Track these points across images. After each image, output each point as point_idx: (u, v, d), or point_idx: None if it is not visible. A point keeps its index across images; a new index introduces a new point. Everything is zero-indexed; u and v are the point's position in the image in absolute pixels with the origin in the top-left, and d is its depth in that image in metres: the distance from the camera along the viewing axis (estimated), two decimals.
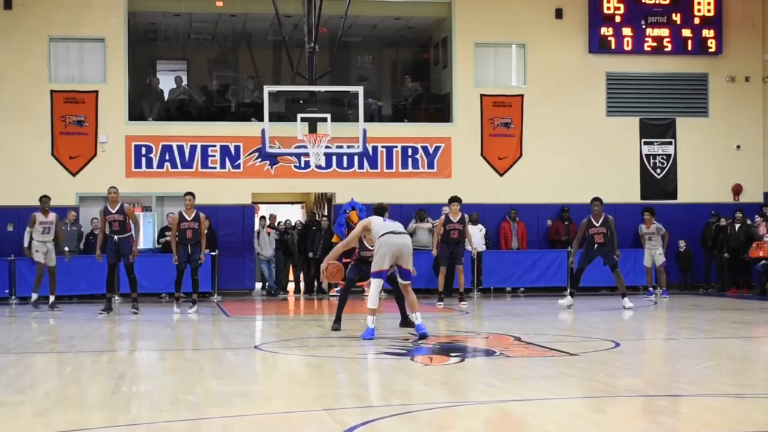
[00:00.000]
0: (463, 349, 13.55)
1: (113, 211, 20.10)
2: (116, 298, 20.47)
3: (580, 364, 11.62)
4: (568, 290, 21.11)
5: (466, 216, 21.85)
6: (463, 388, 10.21)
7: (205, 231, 20.84)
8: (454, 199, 21.51)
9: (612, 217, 20.74)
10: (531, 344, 13.59)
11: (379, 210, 15.33)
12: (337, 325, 15.74)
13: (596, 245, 20.47)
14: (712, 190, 27.91)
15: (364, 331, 14.43)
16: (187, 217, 20.33)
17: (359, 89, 23.18)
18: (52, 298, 21.68)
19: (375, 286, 14.58)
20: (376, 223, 14.78)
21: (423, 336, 14.27)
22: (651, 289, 23.98)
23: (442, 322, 18.06)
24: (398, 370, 11.37)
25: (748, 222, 25.55)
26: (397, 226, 14.76)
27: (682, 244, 26.42)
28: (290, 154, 25.11)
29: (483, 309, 21.88)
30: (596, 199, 20.87)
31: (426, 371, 11.23)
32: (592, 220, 20.58)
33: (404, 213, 25.56)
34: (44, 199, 21.92)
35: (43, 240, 21.68)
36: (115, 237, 20.04)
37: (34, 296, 21.68)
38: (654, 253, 24.03)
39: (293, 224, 27.84)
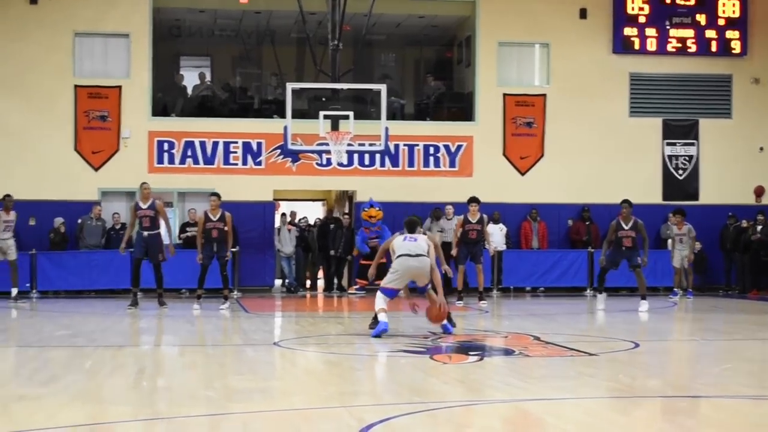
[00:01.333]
0: (482, 347, 13.55)
1: (144, 207, 20.08)
2: (139, 293, 20.51)
3: (600, 365, 11.61)
4: (599, 291, 20.91)
5: (485, 216, 21.84)
6: (482, 386, 10.22)
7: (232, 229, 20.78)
8: (473, 200, 21.51)
9: (642, 222, 20.52)
10: (550, 344, 13.57)
11: (410, 225, 15.22)
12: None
13: (624, 248, 20.29)
14: (735, 192, 27.79)
15: (376, 327, 14.47)
16: (212, 218, 20.27)
17: (382, 87, 23.18)
18: (14, 292, 22.10)
19: (380, 298, 14.66)
20: (397, 243, 14.90)
21: (447, 329, 14.72)
22: (676, 290, 23.94)
23: (462, 320, 18.05)
24: (417, 368, 11.37)
25: None
26: (415, 247, 14.77)
27: (697, 245, 26.30)
28: (312, 152, 25.14)
29: (503, 308, 21.88)
30: (625, 201, 20.55)
31: (445, 369, 11.23)
32: (621, 222, 20.32)
33: (425, 211, 25.64)
34: (7, 197, 22.37)
35: (3, 237, 22.15)
36: (145, 233, 20.03)
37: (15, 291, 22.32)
38: (683, 255, 24.01)
39: (313, 222, 27.85)
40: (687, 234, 24.05)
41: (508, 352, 12.89)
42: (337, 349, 13.60)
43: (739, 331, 16.71)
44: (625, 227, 20.22)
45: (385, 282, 14.76)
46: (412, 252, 14.67)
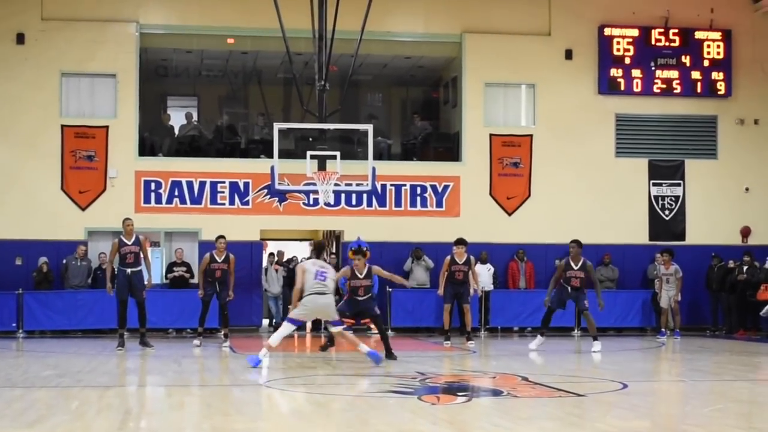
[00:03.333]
0: (470, 388, 13.52)
1: (129, 243, 20.01)
2: (126, 333, 20.37)
3: (588, 405, 11.59)
4: (541, 333, 20.88)
5: (472, 258, 21.83)
6: (470, 428, 10.18)
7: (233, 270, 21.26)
8: (460, 242, 21.56)
9: (590, 263, 20.66)
10: (538, 384, 13.55)
11: (318, 248, 17.04)
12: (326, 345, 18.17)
13: (571, 288, 20.36)
14: (721, 232, 27.87)
15: (253, 356, 16.09)
16: (217, 259, 20.95)
17: (369, 127, 23.21)
18: None
19: (285, 328, 16.36)
20: (309, 273, 16.29)
21: (375, 357, 16.08)
22: (663, 329, 24.00)
23: (449, 361, 18.02)
24: (405, 408, 11.34)
25: (756, 264, 25.54)
26: (323, 287, 16.22)
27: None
28: (299, 191, 25.16)
29: (490, 348, 21.84)
30: (574, 242, 20.76)
31: (433, 410, 11.20)
32: (571, 262, 20.45)
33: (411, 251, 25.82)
34: None
35: None
36: (128, 270, 19.92)
37: None
38: (670, 295, 24.07)
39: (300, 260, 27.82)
40: (674, 274, 24.12)
41: (496, 393, 12.86)
42: (324, 389, 13.55)
43: (727, 371, 16.71)
44: (575, 267, 20.36)
45: (294, 314, 16.35)
46: (321, 291, 16.18)
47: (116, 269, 20.18)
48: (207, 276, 20.91)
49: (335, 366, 16.76)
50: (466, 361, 18.23)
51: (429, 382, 13.76)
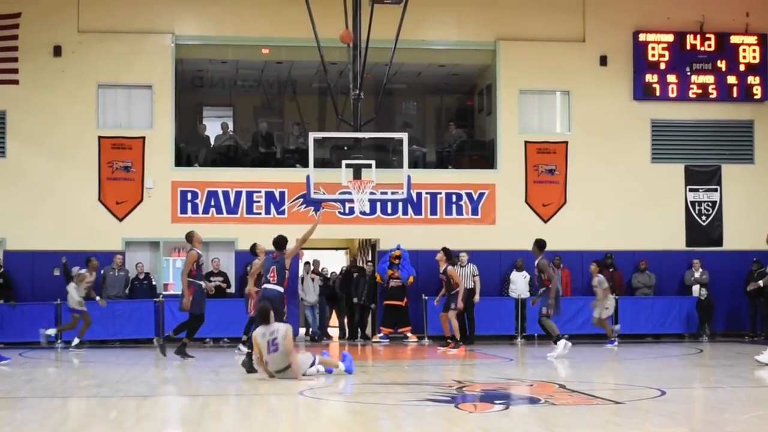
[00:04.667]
0: (507, 396, 13.48)
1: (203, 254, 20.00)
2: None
3: (626, 413, 11.54)
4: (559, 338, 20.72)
5: (449, 268, 22.03)
6: None
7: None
8: (442, 249, 21.97)
9: (545, 261, 20.46)
10: (576, 392, 13.50)
11: (263, 315, 15.69)
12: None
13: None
14: (758, 238, 27.47)
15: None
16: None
17: (404, 136, 23.23)
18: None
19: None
20: (262, 347, 15.58)
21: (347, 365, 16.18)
22: (612, 339, 23.55)
23: (486, 369, 17.99)
24: (442, 417, 11.33)
25: None
26: (278, 362, 15.63)
27: (703, 291, 26.08)
28: (335, 200, 25.21)
29: (527, 356, 21.80)
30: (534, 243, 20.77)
31: (470, 419, 11.18)
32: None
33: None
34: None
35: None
36: (203, 283, 19.75)
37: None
38: (600, 306, 23.59)
39: (338, 271, 27.87)
40: (598, 286, 23.62)
41: (533, 401, 12.82)
42: (361, 398, 13.56)
43: (766, 377, 16.58)
44: (535, 265, 20.54)
45: None
46: (277, 369, 15.56)
47: (190, 282, 19.49)
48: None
49: (372, 374, 16.76)
50: (503, 369, 18.20)
51: (466, 390, 13.74)
